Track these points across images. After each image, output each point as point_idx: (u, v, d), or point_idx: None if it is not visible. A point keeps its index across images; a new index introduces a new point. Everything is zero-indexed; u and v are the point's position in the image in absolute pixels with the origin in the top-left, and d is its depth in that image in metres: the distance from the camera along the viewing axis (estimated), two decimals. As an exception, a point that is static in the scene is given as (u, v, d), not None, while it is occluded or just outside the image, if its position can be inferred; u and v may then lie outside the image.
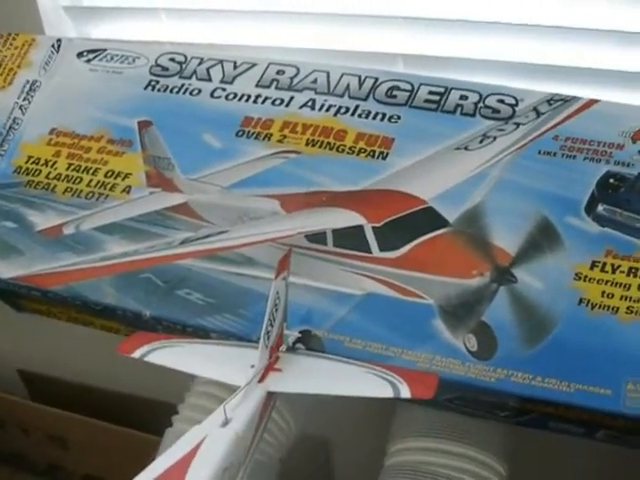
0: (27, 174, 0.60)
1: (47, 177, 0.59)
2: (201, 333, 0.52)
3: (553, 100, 0.54)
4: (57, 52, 0.65)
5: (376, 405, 0.60)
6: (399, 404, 0.60)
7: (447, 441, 0.55)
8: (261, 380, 0.43)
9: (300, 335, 0.49)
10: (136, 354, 0.46)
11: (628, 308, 0.47)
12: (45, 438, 0.98)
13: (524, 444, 0.59)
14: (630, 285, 0.48)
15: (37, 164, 0.60)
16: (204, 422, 0.38)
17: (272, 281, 0.44)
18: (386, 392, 0.42)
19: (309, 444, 0.76)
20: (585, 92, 0.54)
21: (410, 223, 0.52)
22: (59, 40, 0.66)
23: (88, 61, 0.64)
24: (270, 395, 0.43)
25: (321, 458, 0.81)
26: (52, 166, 0.60)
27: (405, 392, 0.42)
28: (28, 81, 0.64)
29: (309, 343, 0.49)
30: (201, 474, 0.32)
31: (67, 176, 0.59)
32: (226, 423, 0.38)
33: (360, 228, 0.52)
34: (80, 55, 0.65)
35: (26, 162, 0.60)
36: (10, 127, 0.62)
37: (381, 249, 0.51)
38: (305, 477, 0.79)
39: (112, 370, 0.94)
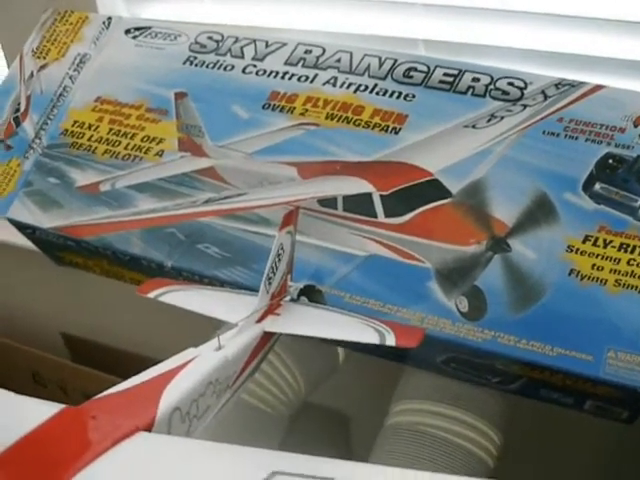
0: (72, 136, 0.65)
1: (89, 140, 0.65)
2: (216, 284, 0.56)
3: (561, 84, 0.56)
4: (107, 29, 0.70)
5: (387, 374, 0.63)
6: (405, 370, 0.63)
7: (443, 405, 0.58)
8: (259, 321, 0.47)
9: (303, 287, 0.53)
10: (152, 294, 0.51)
11: (616, 281, 0.49)
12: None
13: (520, 416, 0.61)
14: (620, 259, 0.50)
15: (82, 128, 0.66)
16: (199, 347, 0.41)
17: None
18: (372, 338, 0.46)
19: (323, 414, 0.79)
20: (593, 79, 0.56)
21: (415, 193, 0.55)
22: (110, 18, 0.71)
23: (134, 37, 0.69)
24: (267, 335, 0.47)
25: (336, 429, 0.84)
26: (95, 130, 0.65)
27: (390, 340, 0.45)
28: (79, 54, 0.69)
29: (312, 296, 0.53)
30: (186, 379, 0.36)
31: (107, 139, 0.64)
32: (219, 349, 0.41)
33: (369, 195, 0.56)
34: (127, 32, 0.70)
35: (72, 125, 0.66)
36: (60, 94, 0.68)
37: (386, 215, 0.55)
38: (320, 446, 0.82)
39: (151, 338, 0.99)
